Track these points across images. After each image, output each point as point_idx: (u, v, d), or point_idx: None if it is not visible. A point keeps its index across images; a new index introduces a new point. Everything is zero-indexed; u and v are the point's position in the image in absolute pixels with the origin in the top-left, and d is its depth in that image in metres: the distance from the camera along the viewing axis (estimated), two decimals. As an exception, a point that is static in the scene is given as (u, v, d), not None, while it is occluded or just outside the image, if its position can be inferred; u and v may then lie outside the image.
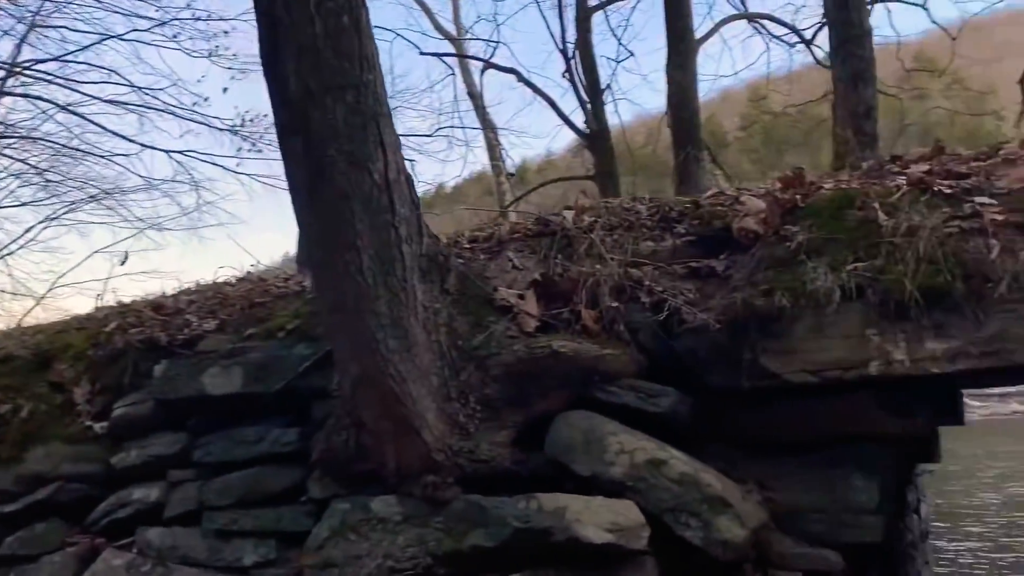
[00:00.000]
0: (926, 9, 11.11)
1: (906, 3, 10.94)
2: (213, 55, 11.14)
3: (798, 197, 2.83)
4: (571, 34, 11.73)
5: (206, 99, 12.12)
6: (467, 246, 3.12)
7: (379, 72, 2.64)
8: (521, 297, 2.74)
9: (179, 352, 3.27)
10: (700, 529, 2.37)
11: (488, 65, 12.94)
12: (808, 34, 11.82)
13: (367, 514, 2.69)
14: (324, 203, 2.51)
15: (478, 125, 13.75)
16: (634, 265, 2.81)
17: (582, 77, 11.49)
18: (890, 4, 11.14)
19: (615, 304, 2.69)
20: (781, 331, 2.56)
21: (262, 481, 2.98)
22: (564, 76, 11.81)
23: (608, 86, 11.78)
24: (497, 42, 18.18)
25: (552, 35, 12.11)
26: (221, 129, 11.27)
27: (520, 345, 2.63)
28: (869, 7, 7.21)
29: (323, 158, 2.46)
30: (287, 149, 2.56)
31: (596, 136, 11.28)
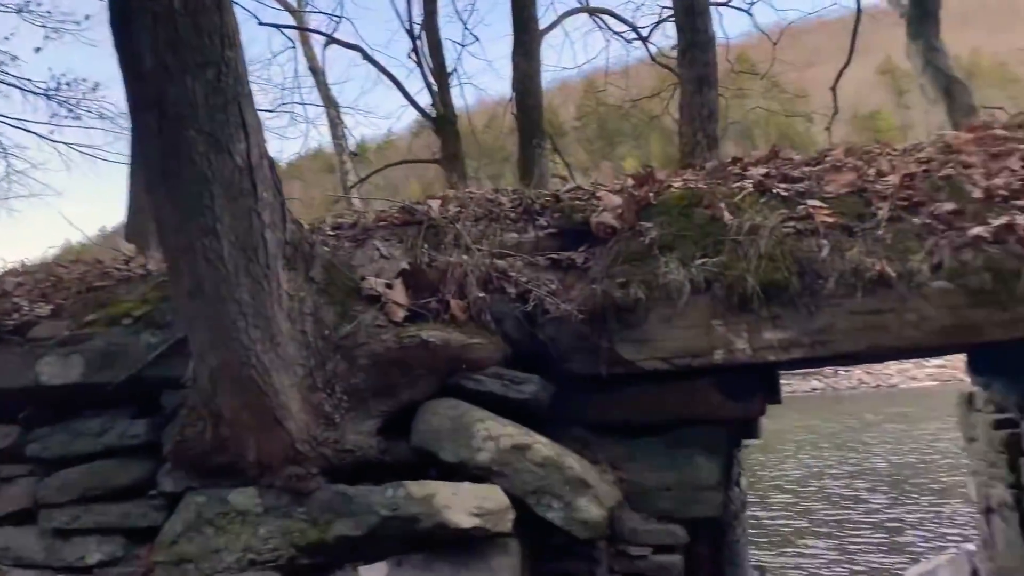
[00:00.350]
0: (751, 14, 11.92)
1: (734, 8, 11.67)
2: (24, 11, 10.19)
3: (651, 195, 2.99)
4: (417, 14, 11.65)
5: (15, 58, 11.06)
6: (331, 233, 3.08)
7: (240, 50, 2.55)
8: (389, 287, 2.74)
9: (8, 339, 3.02)
10: (562, 510, 2.49)
11: (331, 40, 12.63)
12: (645, 31, 12.37)
13: (225, 507, 2.61)
14: (181, 185, 2.39)
15: (321, 102, 13.37)
16: (499, 256, 2.88)
17: (428, 59, 11.45)
18: (721, 8, 11.84)
19: (482, 294, 2.75)
20: (636, 321, 2.72)
21: (107, 475, 2.82)
22: (410, 56, 11.73)
23: (454, 70, 11.81)
24: (340, 16, 17.76)
25: (398, 13, 12.00)
26: (35, 92, 10.34)
27: (389, 335, 2.64)
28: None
29: (180, 138, 2.34)
30: (139, 124, 2.42)
31: (443, 119, 11.29)
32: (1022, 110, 3.14)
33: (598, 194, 3.13)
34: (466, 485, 2.48)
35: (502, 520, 2.42)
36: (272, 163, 2.67)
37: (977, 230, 2.46)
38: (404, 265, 2.79)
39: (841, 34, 11.19)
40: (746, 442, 5.52)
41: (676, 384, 2.88)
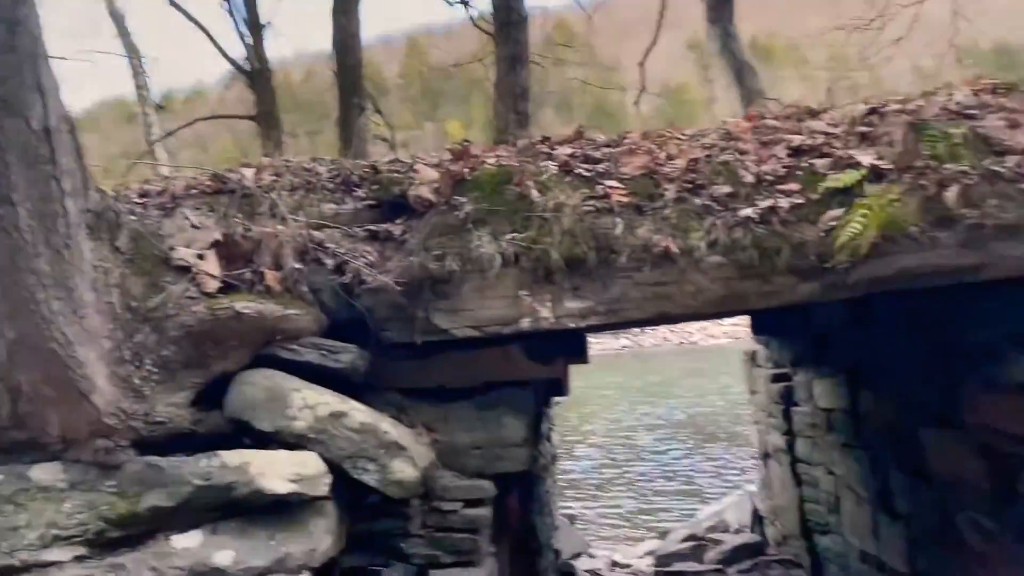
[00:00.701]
0: (566, -14, 12.26)
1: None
2: None
3: (466, 170, 3.13)
4: (230, -40, 11.05)
5: None
6: (138, 201, 2.98)
7: (34, 7, 2.41)
8: (201, 257, 2.71)
9: None
10: (377, 472, 2.61)
11: (133, -18, 11.72)
12: (467, -5, 12.38)
13: (26, 483, 2.52)
14: (-30, 153, 2.26)
15: (122, 49, 12.43)
16: (316, 227, 2.92)
17: (242, 9, 10.93)
18: (539, -24, 12.10)
19: (298, 265, 2.79)
20: (451, 292, 2.88)
21: None
22: (222, 6, 11.13)
23: (269, 22, 11.33)
24: (142, -45, 16.45)
25: (209, -41, 11.31)
26: None
27: (201, 306, 2.62)
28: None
29: (-32, 101, 2.21)
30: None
31: (257, 74, 10.85)
32: (792, 103, 3.54)
33: (416, 167, 3.23)
34: (282, 453, 2.54)
35: (318, 485, 2.51)
36: (73, 127, 2.56)
37: (747, 211, 2.79)
38: (217, 235, 2.77)
39: (654, 9, 11.74)
40: (556, 399, 5.90)
41: (487, 350, 3.08)
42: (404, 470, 2.64)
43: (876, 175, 2.76)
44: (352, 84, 9.41)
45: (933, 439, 3.87)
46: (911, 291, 2.90)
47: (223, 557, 2.42)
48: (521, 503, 4.22)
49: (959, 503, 3.72)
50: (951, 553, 3.86)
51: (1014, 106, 2.94)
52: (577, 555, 7.56)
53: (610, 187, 2.98)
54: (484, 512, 2.87)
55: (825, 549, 6.10)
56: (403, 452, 2.65)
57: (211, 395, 2.71)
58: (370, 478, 2.61)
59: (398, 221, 3.03)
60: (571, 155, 3.21)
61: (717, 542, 7.54)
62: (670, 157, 3.09)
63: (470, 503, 2.87)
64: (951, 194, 2.66)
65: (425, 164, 3.24)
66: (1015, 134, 2.80)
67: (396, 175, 3.17)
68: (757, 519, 7.59)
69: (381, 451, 2.62)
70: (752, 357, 7.29)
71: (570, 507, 9.66)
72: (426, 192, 3.03)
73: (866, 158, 2.81)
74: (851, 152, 2.86)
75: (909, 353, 3.95)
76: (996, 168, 2.70)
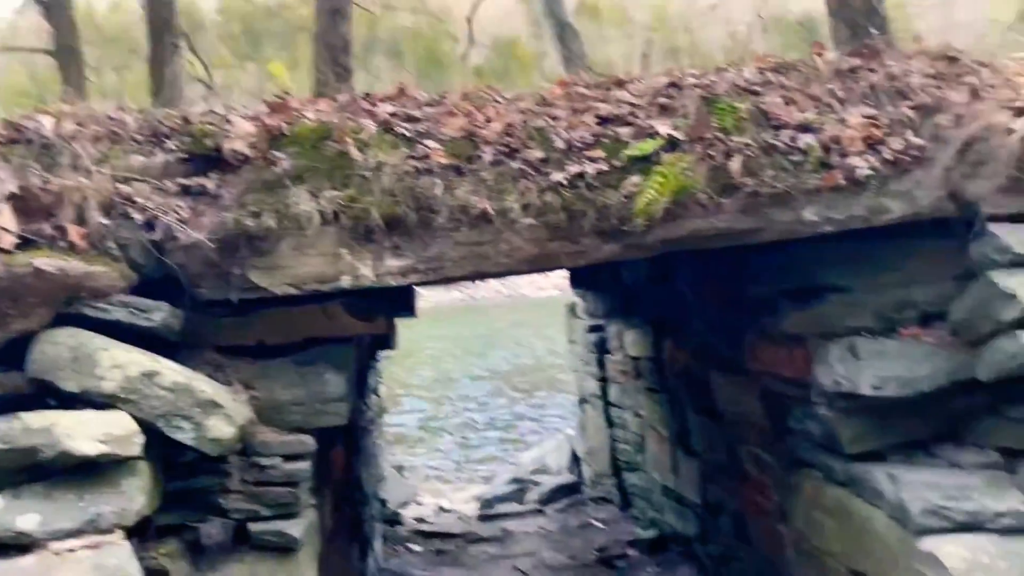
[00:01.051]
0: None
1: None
2: None
3: (284, 124, 3.10)
4: None
5: None
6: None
7: None
8: (-6, 211, 2.55)
9: None
10: (193, 430, 2.60)
11: None
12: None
13: None
14: None
15: None
16: (124, 180, 2.81)
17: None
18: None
19: (105, 220, 2.68)
20: (268, 249, 2.86)
21: None
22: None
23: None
24: None
25: None
26: None
27: (-4, 263, 2.48)
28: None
29: None
30: None
31: (54, 5, 9.94)
32: (601, 73, 3.74)
33: (231, 119, 3.15)
34: (90, 413, 2.47)
35: (130, 444, 2.47)
36: None
37: (558, 176, 2.96)
38: (12, 188, 2.61)
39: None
40: (383, 353, 5.98)
41: (308, 307, 3.11)
42: (221, 427, 2.64)
43: (672, 144, 3.00)
44: (164, 21, 8.86)
45: (722, 383, 4.30)
46: (704, 251, 3.20)
47: (27, 521, 2.35)
48: (346, 456, 4.30)
49: (742, 439, 4.18)
50: (735, 483, 4.34)
51: (791, 84, 3.28)
52: (405, 504, 7.75)
53: (431, 148, 3.05)
54: (304, 466, 2.92)
55: (632, 485, 6.62)
56: (220, 410, 2.65)
57: (12, 355, 2.58)
58: (185, 436, 2.59)
59: (212, 175, 2.96)
60: (392, 113, 3.24)
61: (538, 484, 7.98)
62: (488, 120, 3.20)
63: (290, 458, 2.91)
64: (735, 164, 2.95)
65: (241, 117, 3.18)
66: (790, 110, 3.13)
67: (210, 127, 3.08)
68: (575, 460, 8.08)
69: (197, 409, 2.60)
70: (572, 309, 7.69)
71: (398, 458, 9.84)
72: (242, 146, 2.98)
73: (664, 128, 3.04)
74: (651, 122, 3.08)
75: (703, 306, 4.34)
76: (773, 141, 3.01)
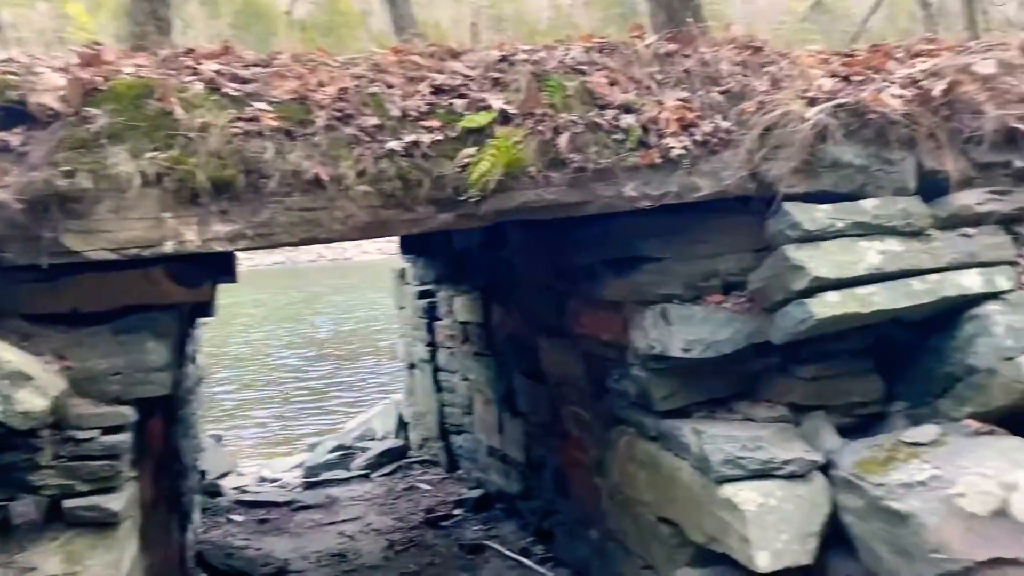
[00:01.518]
0: None
1: None
2: None
3: (99, 79, 2.90)
4: None
5: None
6: None
7: None
8: None
9: None
10: (0, 404, 2.43)
11: None
12: None
13: None
14: None
15: None
16: (-90, 132, 2.54)
17: None
18: None
19: None
20: (83, 212, 2.70)
21: None
22: None
23: None
24: None
25: None
26: None
27: None
28: None
29: None
30: None
31: None
32: (435, 42, 3.77)
33: (37, 70, 2.91)
34: None
35: (-75, 422, 2.28)
36: None
37: (392, 144, 2.97)
38: None
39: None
40: (202, 320, 5.76)
41: (127, 273, 2.96)
42: (30, 400, 2.49)
43: (504, 118, 3.10)
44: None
45: (547, 346, 4.52)
46: (533, 221, 3.34)
47: None
48: (164, 426, 4.14)
49: (565, 399, 4.43)
50: (557, 441, 4.59)
51: (615, 65, 3.46)
52: (225, 474, 7.53)
53: (260, 110, 2.97)
54: (124, 438, 2.80)
55: (459, 447, 6.80)
56: (29, 381, 2.50)
57: None
58: (-9, 411, 2.42)
59: (16, 131, 2.73)
60: (218, 72, 3.12)
61: (364, 450, 7.99)
62: (321, 84, 3.15)
63: (108, 430, 2.78)
64: (563, 140, 3.09)
65: (49, 67, 2.94)
66: (614, 91, 3.31)
67: (12, 77, 2.83)
68: (402, 425, 8.16)
69: (4, 382, 2.44)
70: (401, 274, 7.71)
71: (217, 428, 9.50)
72: (51, 100, 2.77)
73: (497, 102, 3.13)
74: (484, 95, 3.16)
75: (531, 273, 4.53)
76: (598, 120, 3.18)
